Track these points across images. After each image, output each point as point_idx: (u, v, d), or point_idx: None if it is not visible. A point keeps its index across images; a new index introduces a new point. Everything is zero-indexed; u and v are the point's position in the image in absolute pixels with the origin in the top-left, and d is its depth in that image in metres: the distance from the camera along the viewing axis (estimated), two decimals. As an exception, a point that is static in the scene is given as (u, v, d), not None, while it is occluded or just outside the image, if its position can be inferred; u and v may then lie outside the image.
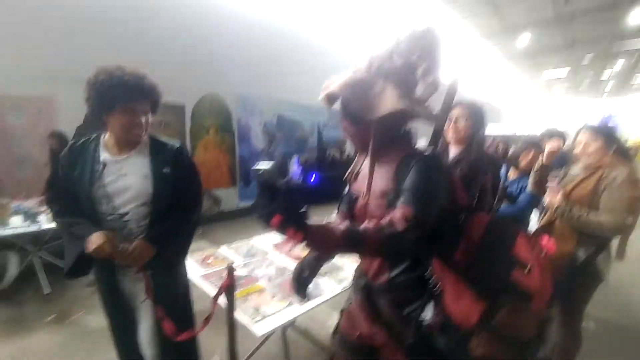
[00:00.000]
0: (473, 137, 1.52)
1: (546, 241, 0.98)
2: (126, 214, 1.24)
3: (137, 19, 4.41)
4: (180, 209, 1.32)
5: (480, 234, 0.93)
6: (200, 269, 1.84)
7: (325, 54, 6.93)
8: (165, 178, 1.28)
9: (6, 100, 3.64)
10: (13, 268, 3.05)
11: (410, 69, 0.92)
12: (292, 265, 1.88)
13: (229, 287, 1.33)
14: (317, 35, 6.91)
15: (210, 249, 2.15)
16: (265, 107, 6.27)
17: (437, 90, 0.93)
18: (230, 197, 5.81)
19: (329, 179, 6.70)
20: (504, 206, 2.12)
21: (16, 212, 2.96)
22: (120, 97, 1.18)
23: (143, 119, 1.24)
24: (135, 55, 4.11)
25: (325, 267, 1.62)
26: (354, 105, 0.93)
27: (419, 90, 0.92)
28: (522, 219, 2.10)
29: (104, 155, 1.26)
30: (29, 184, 3.67)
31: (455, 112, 1.53)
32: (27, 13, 3.66)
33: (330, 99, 0.97)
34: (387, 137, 0.98)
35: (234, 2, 5.51)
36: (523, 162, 2.27)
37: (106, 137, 1.30)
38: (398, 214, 0.84)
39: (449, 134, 1.55)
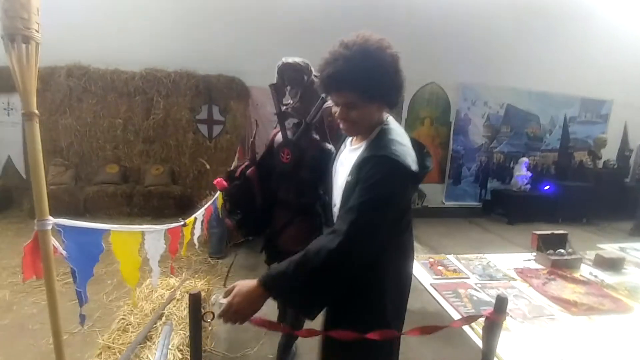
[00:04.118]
0: None
1: None
2: None
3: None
4: None
5: None
6: (428, 276, 1.68)
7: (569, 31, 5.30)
8: None
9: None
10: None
11: None
12: (547, 305, 1.42)
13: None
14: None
15: (436, 255, 1.96)
16: (492, 97, 5.42)
17: None
18: (436, 194, 5.49)
19: (570, 191, 5.17)
20: None
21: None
22: None
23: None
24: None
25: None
26: None
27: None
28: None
29: None
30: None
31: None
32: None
33: None
34: None
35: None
36: None
37: None
38: None
39: None
